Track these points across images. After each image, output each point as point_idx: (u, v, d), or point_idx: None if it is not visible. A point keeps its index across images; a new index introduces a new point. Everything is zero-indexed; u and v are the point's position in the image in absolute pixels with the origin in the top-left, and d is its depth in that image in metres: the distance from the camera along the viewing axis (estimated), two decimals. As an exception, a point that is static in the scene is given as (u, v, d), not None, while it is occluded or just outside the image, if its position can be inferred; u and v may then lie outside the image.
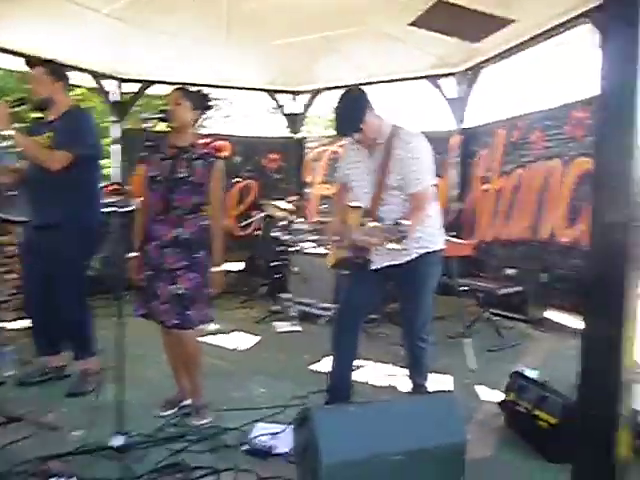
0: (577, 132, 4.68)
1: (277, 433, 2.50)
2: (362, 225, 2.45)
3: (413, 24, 5.15)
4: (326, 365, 3.66)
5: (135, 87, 7.23)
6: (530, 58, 6.26)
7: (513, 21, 4.81)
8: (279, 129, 8.06)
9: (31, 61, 3.04)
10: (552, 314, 4.76)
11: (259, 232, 6.13)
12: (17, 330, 4.02)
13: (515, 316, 4.73)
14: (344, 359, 2.75)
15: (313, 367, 3.68)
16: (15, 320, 4.05)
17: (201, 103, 2.65)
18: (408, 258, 2.56)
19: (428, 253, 2.60)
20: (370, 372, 3.58)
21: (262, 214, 6.03)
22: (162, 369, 3.20)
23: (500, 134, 5.81)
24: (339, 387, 2.75)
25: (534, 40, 5.05)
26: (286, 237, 5.54)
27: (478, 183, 6.18)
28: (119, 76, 6.92)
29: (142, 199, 2.69)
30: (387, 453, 1.95)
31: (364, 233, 2.39)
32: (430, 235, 2.61)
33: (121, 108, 7.07)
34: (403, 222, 2.28)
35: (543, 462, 2.38)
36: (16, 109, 2.78)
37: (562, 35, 4.85)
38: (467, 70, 6.17)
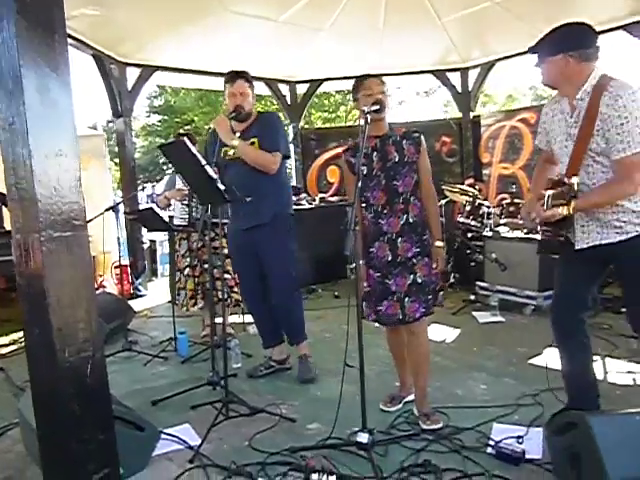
0: None
1: (521, 437, 2.29)
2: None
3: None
4: (548, 358, 3.34)
5: (304, 88, 7.49)
6: None
7: None
8: (450, 110, 7.72)
9: (230, 75, 3.10)
10: None
11: (441, 219, 5.87)
12: (235, 324, 4.40)
13: None
14: (575, 357, 2.37)
15: (533, 361, 3.37)
16: (232, 315, 4.42)
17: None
18: (623, 237, 2.10)
19: None
20: (602, 369, 3.15)
21: (443, 200, 5.77)
22: (375, 364, 3.20)
23: None
24: (581, 389, 2.38)
25: None
26: (474, 222, 5.23)
27: None
28: (292, 79, 7.21)
29: (355, 207, 2.60)
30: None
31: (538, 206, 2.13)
32: None
33: (295, 109, 7.37)
34: (570, 181, 2.02)
35: None
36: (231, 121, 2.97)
37: None
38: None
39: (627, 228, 2.10)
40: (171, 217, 4.23)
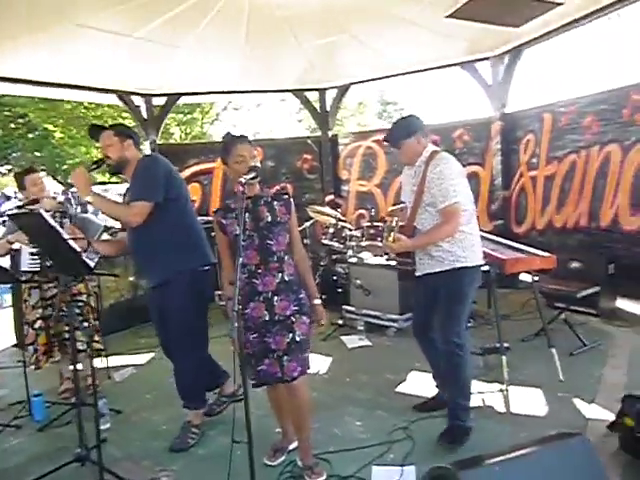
0: (638, 116, 4.52)
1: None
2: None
3: (452, 16, 4.95)
4: (412, 385, 3.66)
5: (161, 100, 7.13)
6: (580, 37, 6.02)
7: (561, 4, 4.61)
8: (310, 128, 7.95)
9: (93, 128, 2.98)
10: (623, 304, 4.70)
11: (306, 240, 6.05)
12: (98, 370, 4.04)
13: (586, 310, 4.64)
14: (434, 358, 3.15)
15: (400, 389, 3.64)
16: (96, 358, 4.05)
17: None
18: (440, 269, 2.86)
19: (464, 268, 2.82)
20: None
21: (308, 222, 5.94)
22: (253, 405, 3.17)
23: (546, 119, 5.63)
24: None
25: (586, 18, 4.84)
26: (338, 244, 5.47)
27: (524, 169, 6.03)
28: (146, 92, 6.81)
29: (227, 270, 2.56)
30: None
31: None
32: (464, 250, 2.82)
33: (152, 123, 6.97)
34: (390, 221, 2.74)
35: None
36: (94, 172, 2.72)
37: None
38: (505, 53, 5.97)
39: (445, 262, 2.85)
40: (14, 253, 3.74)
